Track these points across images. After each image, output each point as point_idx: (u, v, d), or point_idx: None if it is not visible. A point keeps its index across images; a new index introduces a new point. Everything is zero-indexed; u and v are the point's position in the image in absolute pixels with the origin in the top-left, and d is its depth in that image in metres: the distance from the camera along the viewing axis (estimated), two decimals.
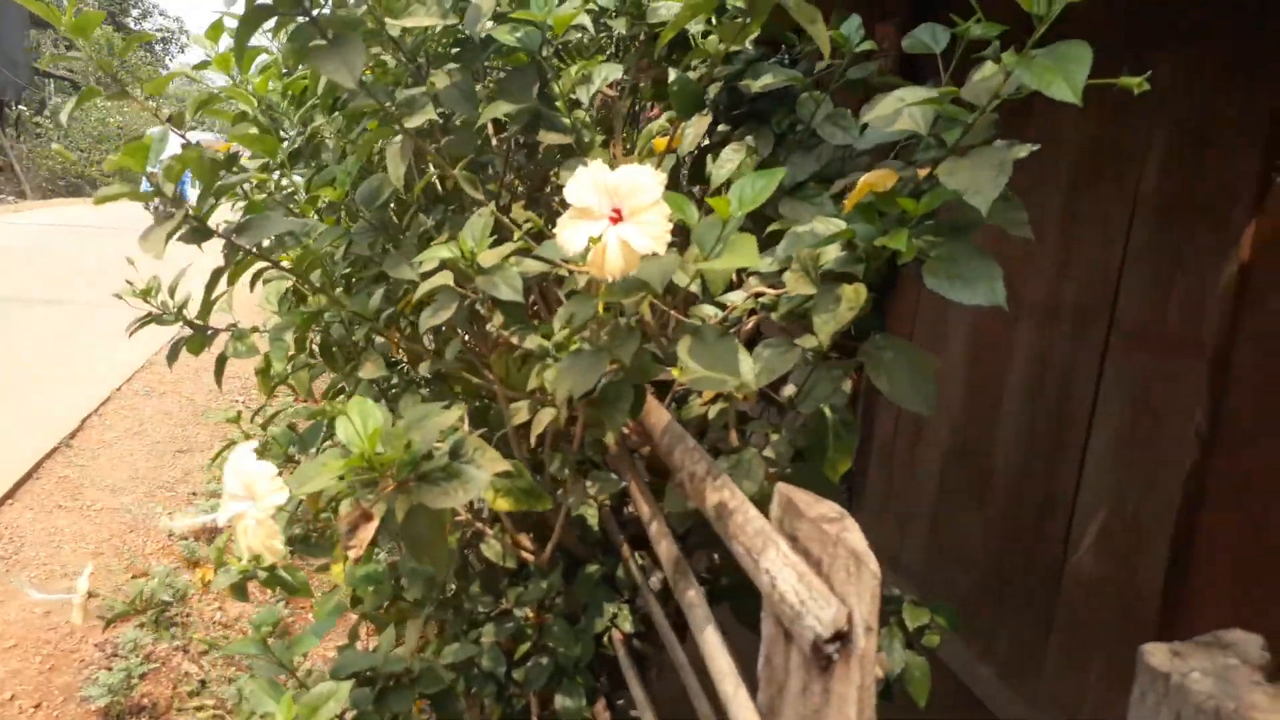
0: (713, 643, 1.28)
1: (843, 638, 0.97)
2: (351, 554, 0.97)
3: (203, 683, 3.41)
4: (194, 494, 4.78)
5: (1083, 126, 2.46)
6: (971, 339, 2.96)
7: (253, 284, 1.94)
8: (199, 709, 3.31)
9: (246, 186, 1.66)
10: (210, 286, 1.60)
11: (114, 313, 1.56)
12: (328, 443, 1.79)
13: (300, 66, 1.73)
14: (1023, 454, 2.72)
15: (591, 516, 1.95)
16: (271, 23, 2.18)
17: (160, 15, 38.67)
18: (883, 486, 3.55)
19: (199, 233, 1.29)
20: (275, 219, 1.32)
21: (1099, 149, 2.43)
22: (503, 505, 1.29)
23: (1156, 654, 0.79)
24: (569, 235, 1.02)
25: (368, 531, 0.98)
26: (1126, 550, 2.29)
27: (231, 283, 1.92)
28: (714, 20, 1.47)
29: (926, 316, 3.26)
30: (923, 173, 1.23)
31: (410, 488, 1.03)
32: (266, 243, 1.74)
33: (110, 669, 3.26)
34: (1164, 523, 2.15)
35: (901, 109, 1.13)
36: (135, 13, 36.66)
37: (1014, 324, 2.76)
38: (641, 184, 1.00)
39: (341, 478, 1.00)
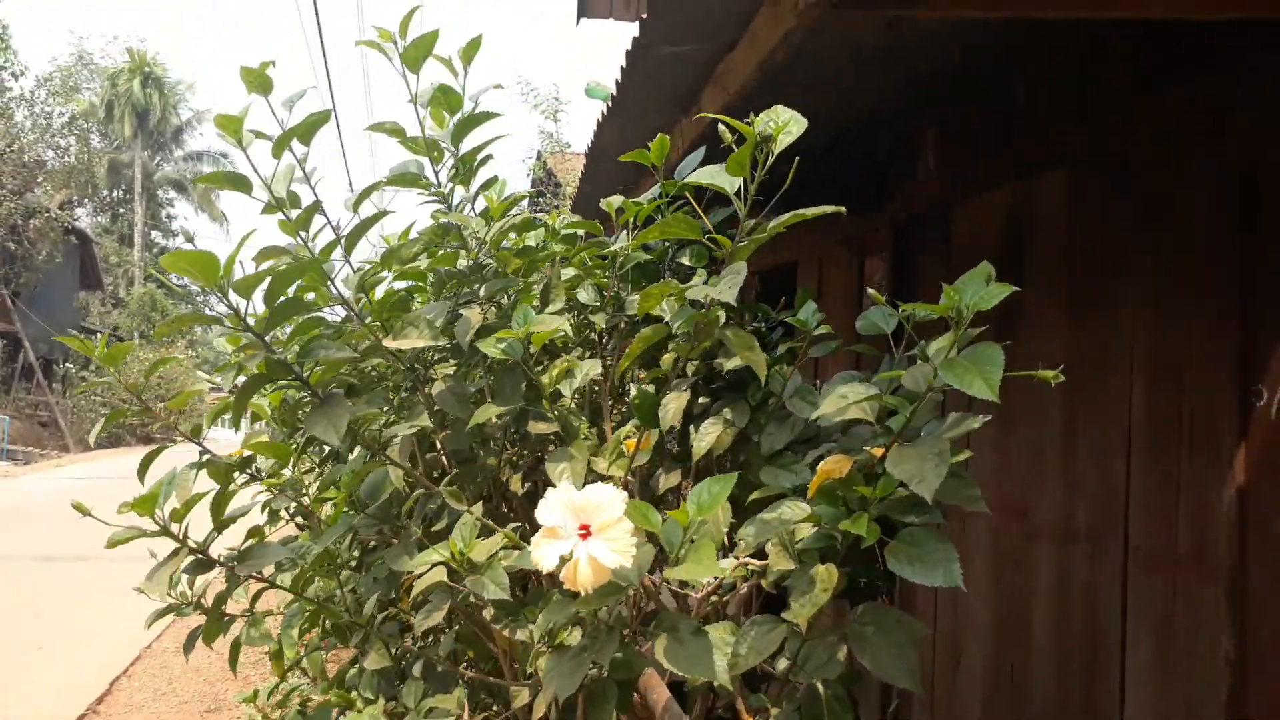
0: None
1: None
2: None
3: None
4: None
5: (1072, 342, 2.49)
6: (993, 558, 2.93)
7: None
8: None
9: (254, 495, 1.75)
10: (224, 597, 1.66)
11: (141, 566, 1.61)
12: None
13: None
14: (1059, 677, 2.63)
15: None
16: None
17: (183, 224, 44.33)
18: (926, 713, 3.40)
19: (202, 565, 1.36)
20: (273, 548, 1.40)
21: (1086, 364, 2.45)
22: None
23: None
24: (542, 554, 1.08)
25: None
26: None
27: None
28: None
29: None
30: (877, 453, 1.29)
31: None
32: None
33: None
34: None
35: (848, 404, 1.21)
36: (167, 225, 41.32)
37: (1032, 543, 2.74)
38: (605, 502, 1.07)
39: None
